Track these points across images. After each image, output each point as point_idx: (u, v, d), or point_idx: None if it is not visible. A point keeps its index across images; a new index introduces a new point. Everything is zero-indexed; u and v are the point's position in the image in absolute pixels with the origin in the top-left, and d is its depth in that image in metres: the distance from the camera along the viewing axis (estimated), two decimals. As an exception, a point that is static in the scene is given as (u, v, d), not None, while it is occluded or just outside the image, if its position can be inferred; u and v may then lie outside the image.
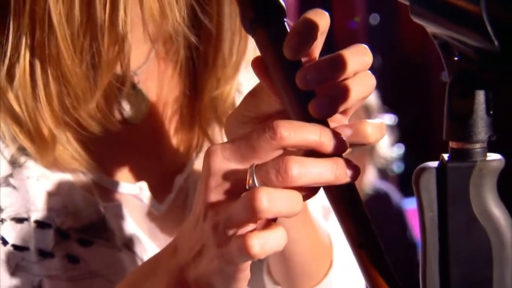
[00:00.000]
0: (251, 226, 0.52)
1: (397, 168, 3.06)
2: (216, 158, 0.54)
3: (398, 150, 2.56)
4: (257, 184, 0.51)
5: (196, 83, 0.76)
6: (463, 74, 0.48)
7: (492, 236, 0.49)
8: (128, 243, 0.72)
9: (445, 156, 0.49)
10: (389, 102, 2.37)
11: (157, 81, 0.75)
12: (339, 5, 3.09)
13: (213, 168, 0.54)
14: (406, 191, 2.60)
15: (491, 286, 0.50)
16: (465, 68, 0.48)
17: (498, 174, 0.49)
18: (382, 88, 2.48)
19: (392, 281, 0.53)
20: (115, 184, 0.72)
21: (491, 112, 0.48)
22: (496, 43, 0.44)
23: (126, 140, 0.74)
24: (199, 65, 0.76)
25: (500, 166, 0.49)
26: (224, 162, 0.54)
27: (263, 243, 0.51)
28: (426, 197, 0.51)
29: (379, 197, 2.29)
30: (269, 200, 0.50)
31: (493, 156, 0.49)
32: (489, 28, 0.44)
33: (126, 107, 0.74)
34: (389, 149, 2.11)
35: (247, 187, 0.52)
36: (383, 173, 2.33)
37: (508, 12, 0.44)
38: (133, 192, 0.73)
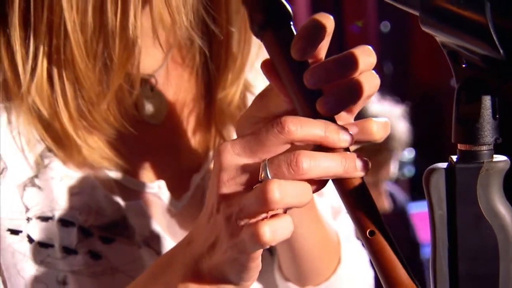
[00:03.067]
0: (262, 217, 0.52)
1: (408, 172, 3.05)
2: (227, 153, 0.54)
3: (409, 155, 2.55)
4: (269, 177, 0.51)
5: (210, 86, 0.76)
6: (470, 81, 0.48)
7: (498, 232, 0.50)
8: (148, 240, 0.71)
9: (454, 157, 0.50)
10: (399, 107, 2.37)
11: (175, 85, 0.75)
12: (350, 12, 3.09)
13: (225, 163, 0.54)
14: (417, 194, 2.59)
15: (497, 280, 0.50)
16: (472, 75, 0.48)
17: (504, 174, 0.50)
18: (392, 94, 2.48)
19: (402, 267, 0.54)
20: (135, 183, 0.71)
21: (497, 116, 0.48)
22: (501, 51, 0.45)
23: (146, 140, 0.73)
24: (212, 69, 0.75)
25: (506, 167, 0.49)
26: (235, 157, 0.54)
27: (274, 230, 0.50)
28: (435, 196, 0.51)
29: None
30: (281, 191, 0.50)
31: (499, 158, 0.49)
32: (494, 38, 0.44)
33: (146, 108, 0.73)
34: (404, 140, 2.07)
35: (259, 180, 0.52)
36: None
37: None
38: (152, 191, 0.72)
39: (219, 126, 0.76)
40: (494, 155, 0.49)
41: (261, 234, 0.50)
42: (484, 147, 0.49)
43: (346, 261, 0.77)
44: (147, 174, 0.72)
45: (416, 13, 0.48)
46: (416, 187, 3.26)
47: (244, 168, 0.54)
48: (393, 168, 2.10)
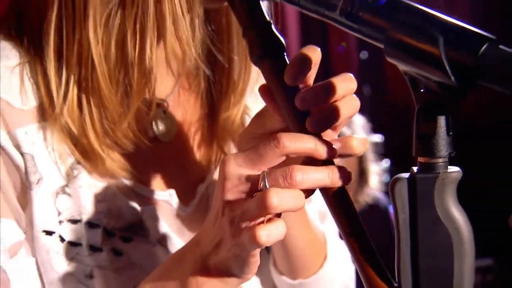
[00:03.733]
0: (260, 221, 0.54)
1: (385, 179, 3.06)
2: (231, 164, 0.56)
3: (385, 164, 2.55)
4: (267, 186, 0.54)
5: (214, 108, 0.79)
6: (428, 103, 0.49)
7: (453, 233, 0.51)
8: (161, 240, 0.74)
9: (415, 168, 0.51)
10: (377, 124, 2.38)
11: (183, 108, 0.78)
12: (335, 43, 3.10)
13: (229, 173, 0.56)
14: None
15: (452, 274, 0.51)
16: (429, 99, 0.49)
17: (457, 183, 0.51)
18: (372, 112, 2.49)
19: (376, 260, 0.55)
20: (150, 191, 0.74)
21: (451, 133, 0.50)
22: (453, 78, 0.46)
23: (159, 155, 0.76)
24: (215, 93, 0.78)
25: (459, 176, 0.51)
26: (237, 168, 0.56)
27: (268, 233, 0.54)
28: (399, 202, 0.52)
29: (375, 204, 2.31)
30: (279, 198, 0.53)
31: (453, 169, 0.50)
32: (447, 67, 0.46)
33: (159, 128, 0.76)
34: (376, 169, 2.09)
35: (259, 188, 0.54)
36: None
37: (462, 54, 0.46)
38: (164, 198, 0.75)
39: (221, 143, 0.79)
40: (449, 167, 0.50)
41: (258, 236, 0.53)
42: (440, 160, 0.50)
43: (331, 258, 0.81)
44: (159, 184, 0.75)
45: (382, 46, 0.51)
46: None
47: (245, 178, 0.56)
48: (376, 177, 2.09)
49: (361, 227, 0.56)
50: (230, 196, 0.56)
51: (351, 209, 0.57)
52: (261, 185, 0.55)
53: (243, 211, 0.55)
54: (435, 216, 0.50)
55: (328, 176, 0.55)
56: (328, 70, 2.72)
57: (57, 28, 0.66)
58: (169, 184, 0.76)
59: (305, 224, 0.75)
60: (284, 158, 0.56)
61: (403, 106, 2.48)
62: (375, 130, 2.44)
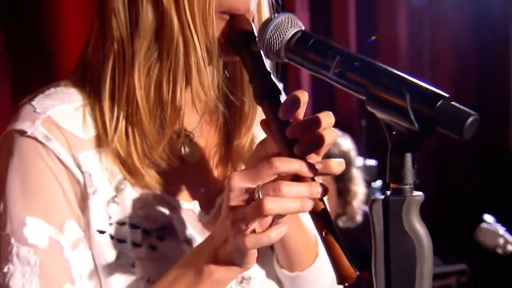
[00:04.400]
0: (256, 223, 0.64)
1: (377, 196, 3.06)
2: (235, 179, 0.67)
3: (378, 184, 2.58)
4: (261, 197, 0.64)
5: (229, 137, 0.88)
6: (399, 143, 0.57)
7: (416, 243, 0.57)
8: (187, 239, 0.83)
9: (388, 192, 0.59)
10: (372, 150, 2.43)
11: (205, 137, 0.88)
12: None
13: (233, 186, 0.67)
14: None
15: (415, 274, 0.57)
16: (400, 140, 0.57)
17: (420, 204, 0.58)
18: (368, 141, 2.54)
19: (346, 257, 0.63)
20: (179, 202, 0.84)
21: (415, 166, 0.58)
22: (416, 125, 0.54)
23: (186, 173, 0.85)
24: (230, 125, 0.87)
25: (421, 199, 0.58)
26: (240, 182, 0.66)
27: (255, 240, 0.64)
28: (376, 217, 0.59)
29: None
30: (271, 204, 0.63)
31: (416, 193, 0.58)
32: (412, 117, 0.54)
33: (186, 152, 0.84)
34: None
35: (254, 198, 0.65)
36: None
37: (423, 107, 0.52)
38: (189, 208, 0.84)
39: (234, 164, 0.88)
40: (414, 192, 0.57)
41: (246, 242, 0.64)
42: (407, 186, 0.57)
43: (321, 255, 0.88)
44: (186, 196, 0.84)
45: (364, 98, 0.59)
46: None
47: (245, 190, 0.66)
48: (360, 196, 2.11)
49: (333, 228, 0.65)
50: (233, 203, 0.66)
51: (326, 214, 0.66)
52: (256, 195, 0.65)
53: (243, 215, 0.65)
54: (403, 229, 0.57)
55: (307, 190, 0.65)
56: (333, 102, 2.77)
57: (111, 77, 0.77)
58: (194, 196, 0.85)
59: (300, 228, 0.85)
60: (276, 176, 0.66)
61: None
62: (370, 156, 2.49)
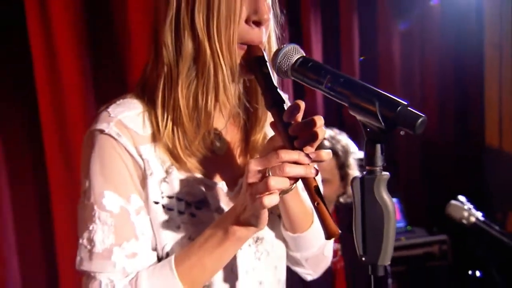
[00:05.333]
0: (265, 194, 0.78)
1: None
2: (252, 164, 0.80)
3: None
4: (270, 175, 0.76)
5: (247, 135, 1.01)
6: (371, 137, 0.69)
7: (384, 209, 0.68)
8: (217, 209, 0.96)
9: (364, 172, 0.70)
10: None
11: (230, 135, 1.02)
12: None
13: (250, 169, 0.80)
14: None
15: (382, 232, 0.67)
16: (372, 135, 0.69)
17: (387, 181, 0.70)
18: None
19: (332, 220, 0.72)
20: (212, 182, 0.98)
21: (383, 153, 0.70)
22: (383, 124, 0.67)
23: (217, 162, 0.98)
24: (249, 126, 1.00)
25: (388, 177, 0.70)
26: (255, 166, 0.79)
27: (269, 201, 0.76)
28: (355, 191, 0.70)
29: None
30: (274, 181, 0.75)
31: (384, 173, 0.69)
32: (380, 118, 0.67)
33: (216, 146, 0.97)
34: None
35: (266, 177, 0.76)
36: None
37: (388, 111, 0.66)
38: (219, 186, 0.98)
39: (251, 154, 1.02)
40: (383, 172, 0.68)
41: (264, 201, 0.76)
42: (377, 168, 0.69)
43: (315, 223, 1.02)
44: (217, 177, 0.98)
45: (347, 105, 0.72)
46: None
47: (259, 172, 0.79)
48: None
49: (322, 199, 0.75)
50: (251, 180, 0.79)
51: (317, 188, 0.76)
52: (267, 174, 0.77)
53: (256, 189, 0.78)
54: (374, 199, 0.67)
55: (304, 170, 0.78)
56: (340, 111, 2.79)
57: (162, 91, 0.92)
58: (222, 178, 0.98)
59: (300, 202, 0.98)
60: (281, 162, 0.79)
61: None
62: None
